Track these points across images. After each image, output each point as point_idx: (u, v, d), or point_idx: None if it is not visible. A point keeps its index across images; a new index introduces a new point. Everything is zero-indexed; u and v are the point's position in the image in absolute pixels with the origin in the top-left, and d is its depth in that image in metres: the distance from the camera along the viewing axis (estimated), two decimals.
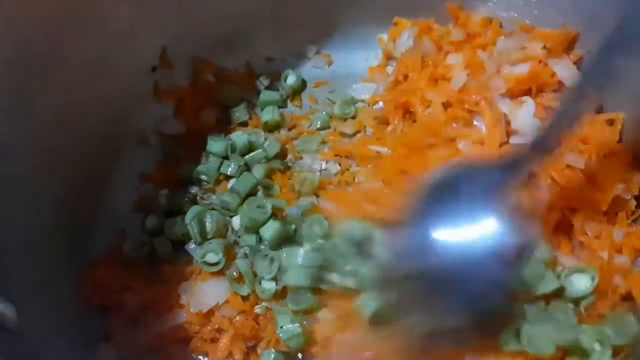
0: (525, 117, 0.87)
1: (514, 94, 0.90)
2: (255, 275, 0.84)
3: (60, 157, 0.86)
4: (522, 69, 0.89)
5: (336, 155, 0.98)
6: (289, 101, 1.07)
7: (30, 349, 0.56)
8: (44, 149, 0.83)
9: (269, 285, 0.83)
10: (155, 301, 0.84)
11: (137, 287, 0.85)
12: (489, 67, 0.92)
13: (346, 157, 0.97)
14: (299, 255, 0.83)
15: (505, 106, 0.89)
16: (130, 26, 0.94)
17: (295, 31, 1.09)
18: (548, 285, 0.75)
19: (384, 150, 0.93)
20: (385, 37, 1.08)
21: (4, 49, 0.74)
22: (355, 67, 1.09)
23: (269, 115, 1.01)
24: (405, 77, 0.98)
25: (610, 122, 0.85)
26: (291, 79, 1.06)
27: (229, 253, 0.86)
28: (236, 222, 0.89)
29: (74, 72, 0.87)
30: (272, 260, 0.83)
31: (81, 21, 0.86)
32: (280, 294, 0.83)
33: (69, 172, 0.88)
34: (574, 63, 0.90)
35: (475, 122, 0.90)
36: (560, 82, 0.89)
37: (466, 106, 0.90)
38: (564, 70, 0.88)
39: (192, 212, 0.89)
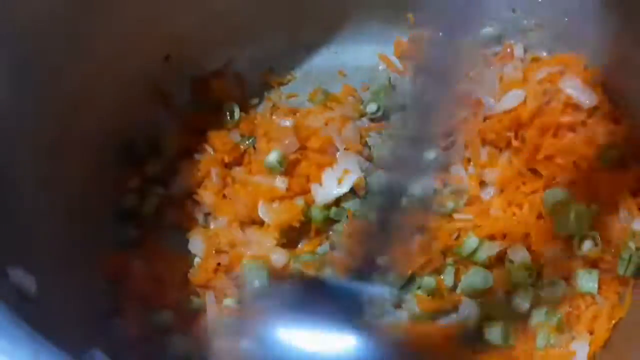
0: None
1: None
2: None
3: (73, 143, 0.89)
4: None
5: None
6: None
7: (50, 318, 0.58)
8: (58, 135, 0.85)
9: None
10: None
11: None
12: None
13: None
14: None
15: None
16: (144, 16, 0.95)
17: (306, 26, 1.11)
18: None
19: None
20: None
21: (19, 42, 0.76)
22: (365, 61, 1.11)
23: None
24: None
25: None
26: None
27: None
28: None
29: (88, 60, 0.89)
30: None
31: (96, 9, 0.88)
32: None
33: (81, 160, 0.91)
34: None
35: None
36: None
37: None
38: (576, 91, 0.90)
39: None
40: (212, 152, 0.98)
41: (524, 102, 0.92)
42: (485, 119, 0.95)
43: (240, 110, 1.04)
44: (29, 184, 0.77)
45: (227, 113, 1.03)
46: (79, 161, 0.90)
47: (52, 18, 0.80)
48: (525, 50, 1.01)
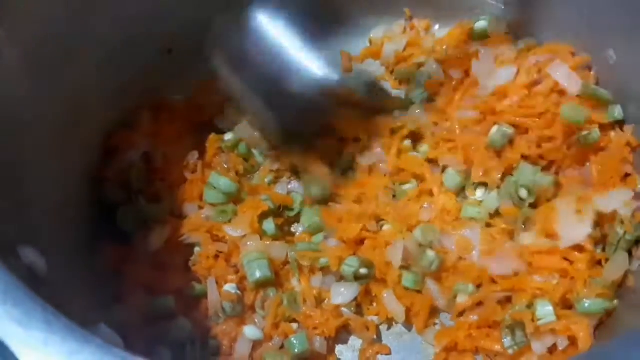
0: None
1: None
2: None
3: (79, 132, 0.91)
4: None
5: None
6: None
7: (56, 292, 0.60)
8: (65, 124, 0.87)
9: None
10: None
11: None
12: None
13: None
14: None
15: None
16: (148, 8, 0.98)
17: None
18: None
19: None
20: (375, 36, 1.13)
21: (29, 31, 0.78)
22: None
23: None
24: None
25: None
26: None
27: None
28: None
29: (94, 52, 0.91)
30: None
31: (99, 3, 0.90)
32: None
33: (86, 148, 0.94)
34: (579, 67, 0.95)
35: None
36: None
37: None
38: (564, 77, 0.92)
39: None
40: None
41: (515, 79, 0.95)
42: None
43: None
44: (38, 172, 0.79)
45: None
46: (86, 145, 0.93)
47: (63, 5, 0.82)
48: (517, 40, 1.03)
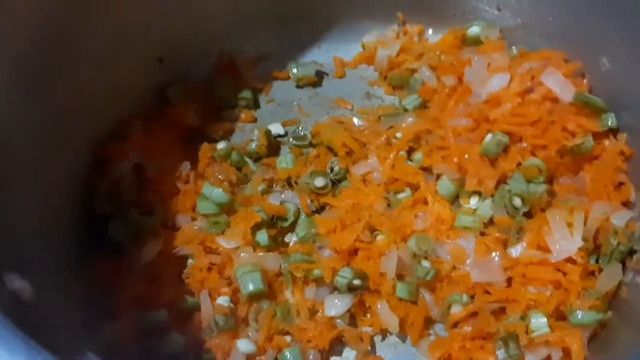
0: None
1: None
2: None
3: (69, 144, 0.91)
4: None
5: None
6: None
7: (45, 321, 0.60)
8: (54, 135, 0.87)
9: None
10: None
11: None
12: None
13: None
14: None
15: None
16: (137, 19, 0.97)
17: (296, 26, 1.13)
18: None
19: None
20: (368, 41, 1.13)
21: (15, 44, 0.78)
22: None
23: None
24: None
25: None
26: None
27: None
28: None
29: (83, 63, 0.91)
30: None
31: (90, 13, 0.89)
32: None
33: (76, 159, 0.93)
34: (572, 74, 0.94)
35: None
36: None
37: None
38: (557, 85, 0.92)
39: None
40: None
41: (508, 87, 0.94)
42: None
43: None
44: (24, 187, 0.79)
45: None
46: (76, 157, 0.93)
47: (49, 18, 0.82)
48: (511, 46, 1.02)
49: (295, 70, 1.12)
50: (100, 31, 0.92)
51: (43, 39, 0.82)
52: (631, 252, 0.83)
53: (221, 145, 1.03)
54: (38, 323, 0.52)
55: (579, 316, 0.80)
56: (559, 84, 0.91)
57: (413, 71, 1.08)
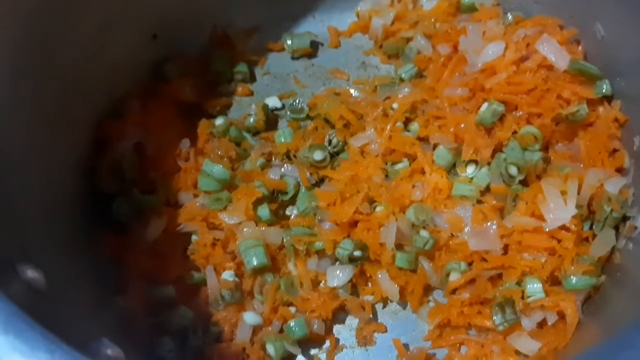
0: None
1: None
2: None
3: (69, 126, 0.91)
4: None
5: None
6: None
7: (59, 308, 0.62)
8: (53, 118, 0.87)
9: None
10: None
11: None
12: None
13: None
14: None
15: None
16: None
17: None
18: None
19: None
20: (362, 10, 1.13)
21: (8, 28, 0.77)
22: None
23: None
24: None
25: None
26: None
27: None
28: None
29: (77, 45, 0.90)
30: None
31: None
32: None
33: (77, 141, 0.94)
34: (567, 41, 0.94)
35: None
36: None
37: None
38: (552, 52, 0.92)
39: None
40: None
41: (503, 55, 0.95)
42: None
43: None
44: (29, 172, 0.80)
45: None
46: (77, 138, 0.94)
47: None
48: (506, 13, 1.02)
49: (289, 42, 1.12)
50: (92, 11, 0.91)
51: (35, 22, 0.81)
52: (624, 219, 0.85)
53: (219, 121, 1.03)
54: (52, 312, 0.54)
55: (573, 281, 0.83)
56: (554, 52, 0.92)
57: (408, 40, 1.08)
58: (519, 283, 0.86)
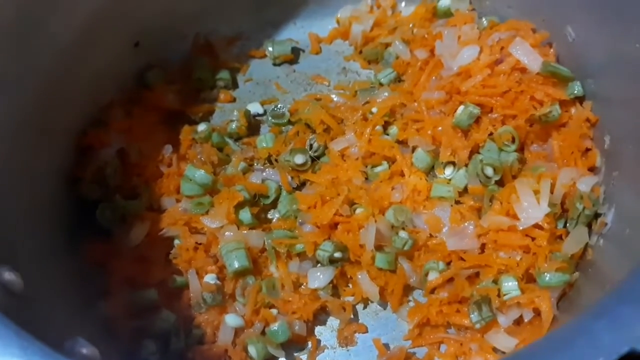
0: None
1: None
2: None
3: (53, 133, 0.93)
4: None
5: None
6: None
7: (36, 310, 0.63)
8: (37, 127, 0.89)
9: None
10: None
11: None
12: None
13: None
14: None
15: None
16: (111, 5, 0.98)
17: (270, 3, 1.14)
18: None
19: None
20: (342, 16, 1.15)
21: None
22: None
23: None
24: None
25: None
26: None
27: None
28: None
29: (59, 52, 0.92)
30: None
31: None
32: None
33: (60, 148, 0.96)
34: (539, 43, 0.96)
35: None
36: None
37: None
38: (525, 55, 0.94)
39: None
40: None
41: (478, 59, 0.97)
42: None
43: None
44: (12, 180, 0.81)
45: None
46: (60, 147, 0.95)
47: (22, 8, 0.82)
48: (481, 18, 1.04)
49: (271, 49, 1.14)
50: (75, 19, 0.93)
51: (17, 30, 0.83)
52: (596, 216, 0.87)
53: (202, 127, 1.05)
54: (29, 313, 0.55)
55: (547, 278, 0.84)
56: (526, 55, 0.94)
57: (387, 45, 1.10)
58: (495, 281, 0.87)
